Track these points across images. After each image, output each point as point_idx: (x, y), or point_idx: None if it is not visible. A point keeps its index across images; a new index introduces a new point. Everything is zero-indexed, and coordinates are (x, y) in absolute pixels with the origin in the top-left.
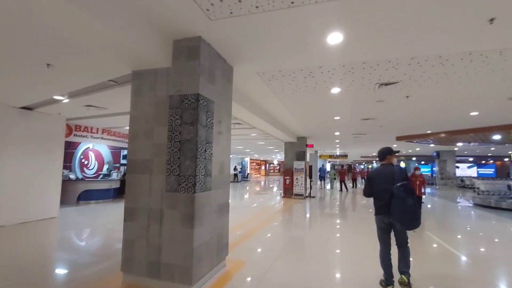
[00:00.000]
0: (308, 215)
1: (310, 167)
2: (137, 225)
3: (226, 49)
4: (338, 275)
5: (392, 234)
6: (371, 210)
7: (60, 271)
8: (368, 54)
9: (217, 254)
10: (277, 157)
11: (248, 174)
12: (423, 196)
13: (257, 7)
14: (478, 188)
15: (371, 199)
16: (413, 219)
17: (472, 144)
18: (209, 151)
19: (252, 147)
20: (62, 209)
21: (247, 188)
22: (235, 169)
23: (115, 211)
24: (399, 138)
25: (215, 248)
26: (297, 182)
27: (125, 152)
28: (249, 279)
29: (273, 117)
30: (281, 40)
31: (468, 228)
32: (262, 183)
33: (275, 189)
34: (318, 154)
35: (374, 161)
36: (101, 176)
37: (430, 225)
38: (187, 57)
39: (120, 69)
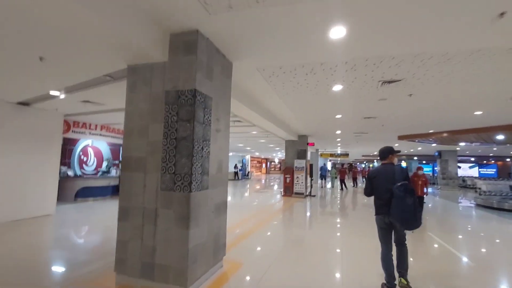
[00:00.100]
0: (308, 215)
1: (311, 165)
2: (131, 225)
3: (225, 44)
4: (338, 278)
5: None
6: (371, 209)
7: (52, 270)
8: (371, 50)
9: (213, 255)
10: (278, 155)
11: (248, 172)
12: (425, 196)
13: (257, 1)
14: (479, 188)
15: (372, 198)
16: (412, 219)
17: (474, 144)
18: (207, 149)
19: (253, 145)
20: (59, 206)
21: (247, 186)
22: (235, 167)
23: (112, 208)
24: (401, 138)
25: (211, 248)
26: (297, 181)
27: None
28: (246, 281)
29: (273, 115)
30: (282, 34)
31: (471, 229)
32: (263, 181)
33: (275, 187)
34: (319, 153)
35: (375, 160)
36: (100, 173)
37: (431, 225)
38: (184, 51)
39: (116, 63)
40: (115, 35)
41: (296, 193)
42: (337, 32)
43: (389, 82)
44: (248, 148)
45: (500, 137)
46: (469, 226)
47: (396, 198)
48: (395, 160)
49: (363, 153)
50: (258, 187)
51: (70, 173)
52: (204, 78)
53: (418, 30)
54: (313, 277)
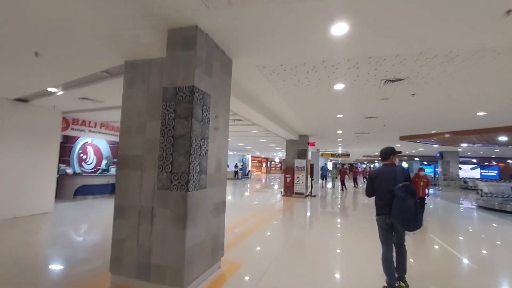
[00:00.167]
0: (308, 215)
1: (312, 165)
2: (127, 224)
3: (225, 40)
4: (338, 279)
5: None
6: (372, 210)
7: (47, 269)
8: (374, 48)
9: (211, 255)
10: (279, 155)
11: (249, 171)
12: (426, 198)
13: None
14: (481, 190)
15: (372, 199)
16: (413, 220)
17: (476, 145)
18: (205, 148)
19: (253, 144)
20: (58, 204)
21: (247, 185)
22: (235, 166)
23: (111, 207)
24: (402, 138)
25: (209, 249)
26: (298, 181)
27: None
28: (245, 281)
29: (274, 114)
30: (283, 31)
31: (473, 231)
32: (263, 180)
33: (275, 187)
34: (320, 153)
35: (376, 161)
36: (99, 171)
37: (433, 227)
38: (182, 47)
39: (113, 59)
40: (111, 30)
41: (297, 193)
42: (340, 28)
43: (392, 80)
44: (249, 148)
45: (503, 138)
46: (471, 228)
47: (397, 199)
48: (396, 161)
49: (364, 153)
50: (258, 186)
51: (69, 171)
52: (203, 75)
53: (422, 26)
54: (313, 277)
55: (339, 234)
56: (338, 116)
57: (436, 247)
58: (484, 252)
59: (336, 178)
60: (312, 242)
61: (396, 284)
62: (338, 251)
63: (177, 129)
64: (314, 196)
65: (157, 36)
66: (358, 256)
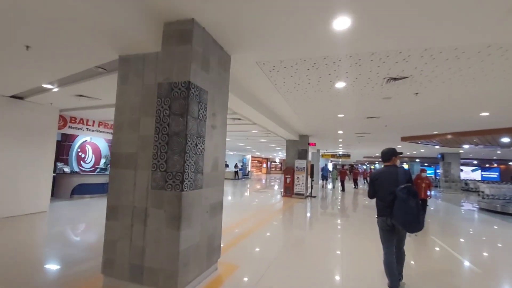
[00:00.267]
0: (308, 216)
1: (312, 166)
2: (120, 224)
3: (223, 34)
4: (338, 281)
5: None
6: (372, 211)
7: (38, 270)
8: (377, 43)
9: (207, 258)
10: (279, 155)
11: (249, 171)
12: (428, 199)
13: None
14: (482, 192)
15: (373, 200)
16: (415, 222)
17: (478, 146)
18: (201, 146)
19: (253, 144)
20: (54, 203)
21: (247, 186)
22: (235, 166)
23: None
24: (404, 139)
25: (205, 251)
26: (298, 181)
27: None
28: (242, 284)
29: (274, 113)
30: (283, 26)
31: (476, 234)
32: (263, 181)
33: (275, 187)
34: (320, 153)
35: (376, 162)
36: (98, 170)
37: (435, 229)
38: (178, 41)
39: (107, 54)
40: (105, 23)
41: (297, 194)
42: (342, 23)
43: (395, 79)
44: (249, 148)
45: (506, 139)
46: (473, 231)
47: (399, 201)
48: (398, 162)
49: (365, 154)
50: (258, 187)
51: (67, 169)
52: (199, 70)
53: (428, 20)
54: (312, 279)
55: (339, 235)
56: (339, 115)
57: (439, 249)
58: (488, 255)
59: (337, 179)
60: (312, 243)
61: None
62: (338, 252)
63: (172, 126)
64: (314, 197)
65: (153, 29)
66: (358, 257)
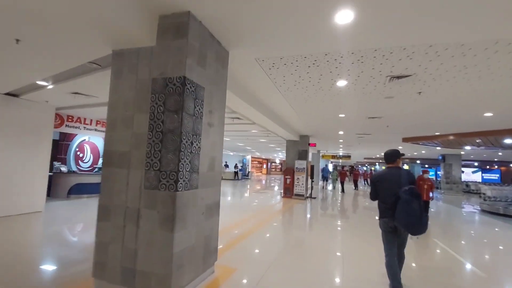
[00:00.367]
0: (308, 217)
1: (312, 167)
2: (112, 225)
3: (220, 29)
4: (339, 284)
5: None
6: (373, 212)
7: (28, 271)
8: (381, 39)
9: (203, 260)
10: (279, 156)
11: (249, 172)
12: (430, 201)
13: None
14: (484, 193)
15: (373, 201)
16: (418, 224)
17: (480, 148)
18: (197, 144)
19: (253, 145)
20: (51, 203)
21: (247, 186)
22: (235, 166)
23: None
24: (405, 140)
25: (201, 253)
26: (298, 182)
27: None
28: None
29: (274, 113)
30: (283, 18)
31: (479, 237)
32: (263, 181)
33: (275, 188)
34: (321, 154)
35: (377, 163)
36: (96, 169)
37: (437, 231)
38: (173, 35)
39: (100, 49)
40: (97, 16)
41: (296, 195)
42: (344, 16)
43: (398, 77)
44: (249, 148)
45: (509, 140)
46: (476, 233)
47: (402, 202)
48: (400, 164)
49: (366, 155)
50: (257, 187)
51: (64, 168)
52: (195, 65)
53: (433, 15)
54: (312, 282)
55: (339, 237)
56: (340, 115)
57: (441, 252)
58: (492, 258)
59: (337, 180)
60: (312, 245)
61: None
62: (338, 254)
63: (167, 124)
64: (314, 198)
65: (147, 23)
66: (359, 259)
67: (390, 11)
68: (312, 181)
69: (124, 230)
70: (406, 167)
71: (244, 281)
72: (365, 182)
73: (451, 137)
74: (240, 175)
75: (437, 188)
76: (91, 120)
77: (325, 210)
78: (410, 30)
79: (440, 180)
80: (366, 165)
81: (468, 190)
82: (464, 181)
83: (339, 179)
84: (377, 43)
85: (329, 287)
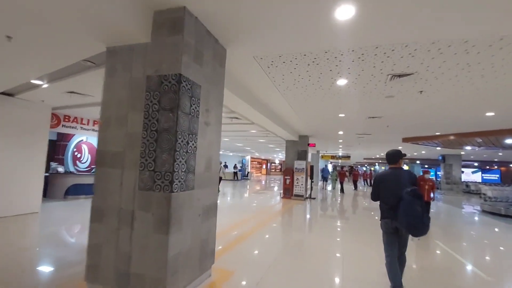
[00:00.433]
0: (307, 218)
1: (312, 167)
2: (106, 228)
3: (217, 26)
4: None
5: None
6: (373, 213)
7: (19, 274)
8: (382, 35)
9: (200, 264)
10: (279, 156)
11: (248, 172)
12: (432, 202)
13: None
14: (484, 194)
15: (372, 201)
16: (420, 225)
17: (481, 148)
18: (193, 144)
19: (253, 145)
20: (47, 204)
21: (246, 187)
22: (235, 167)
23: None
24: (405, 140)
25: (197, 256)
26: (297, 183)
27: None
28: None
29: (273, 112)
30: (282, 14)
31: (482, 238)
32: (263, 182)
33: (275, 189)
34: (320, 155)
35: (376, 164)
36: (93, 170)
37: (438, 232)
38: (169, 30)
39: (94, 46)
40: (89, 11)
41: (296, 195)
42: (345, 12)
43: (400, 76)
44: (248, 148)
45: (510, 141)
46: (478, 234)
47: (405, 204)
48: (402, 164)
49: (365, 155)
50: (257, 188)
51: (61, 169)
52: (191, 62)
53: (438, 8)
54: (312, 285)
55: (338, 239)
56: (340, 115)
57: (443, 254)
58: (497, 261)
59: (336, 180)
60: (311, 246)
61: None
62: (338, 256)
63: (161, 123)
64: (314, 198)
65: (142, 18)
66: (359, 260)
67: (392, 6)
68: (311, 182)
69: (118, 233)
70: (405, 167)
71: (242, 284)
72: (365, 183)
73: (452, 137)
74: (240, 175)
75: (437, 188)
76: (88, 120)
77: (324, 211)
78: (412, 25)
79: (440, 181)
80: (366, 165)
81: (468, 190)
82: (464, 182)
83: (338, 179)
84: (379, 40)
85: None
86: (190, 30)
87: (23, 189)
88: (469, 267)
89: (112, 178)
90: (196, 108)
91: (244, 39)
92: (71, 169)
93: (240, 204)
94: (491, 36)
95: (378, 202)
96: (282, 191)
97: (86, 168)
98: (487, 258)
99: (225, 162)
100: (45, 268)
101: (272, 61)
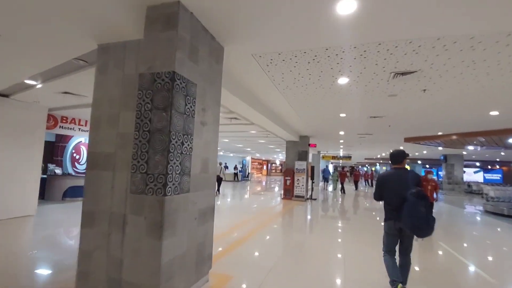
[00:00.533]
0: (308, 219)
1: (312, 167)
2: (97, 233)
3: (214, 22)
4: None
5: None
6: (374, 213)
7: (6, 281)
8: (385, 31)
9: (196, 269)
10: (279, 157)
11: (248, 173)
12: (434, 202)
13: None
14: (486, 194)
15: (375, 202)
16: (425, 226)
17: (483, 147)
18: (188, 145)
19: (253, 146)
20: (44, 206)
21: (246, 188)
22: (235, 168)
23: None
24: (407, 140)
25: (193, 261)
26: (298, 183)
27: None
28: None
29: (273, 112)
30: (281, 10)
31: (485, 239)
32: (263, 183)
33: (275, 189)
34: (321, 155)
35: (377, 164)
36: None
37: (440, 233)
38: (162, 26)
39: (85, 43)
40: (80, 6)
41: (297, 196)
42: (346, 6)
43: (403, 73)
44: (248, 149)
45: None
46: (481, 235)
47: (410, 204)
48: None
49: (366, 156)
50: (257, 189)
51: (58, 171)
52: (186, 59)
53: (443, 4)
54: None
55: (340, 240)
56: (341, 115)
57: (446, 255)
58: (502, 263)
59: (337, 180)
60: (313, 248)
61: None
62: (340, 259)
63: (154, 122)
64: (315, 199)
65: (135, 13)
66: (361, 262)
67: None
68: (312, 182)
69: (109, 238)
70: (407, 167)
71: None
72: (366, 183)
73: (454, 137)
74: (240, 176)
75: (439, 188)
76: (86, 121)
77: (325, 212)
78: (417, 20)
79: (442, 181)
80: (367, 165)
81: (470, 190)
82: (466, 182)
83: (339, 179)
84: (382, 35)
85: None
86: (185, 26)
87: (18, 192)
88: (473, 269)
89: (103, 181)
90: (191, 107)
91: (241, 36)
92: (70, 170)
93: (240, 205)
94: (498, 32)
95: (380, 203)
96: (282, 192)
97: (84, 170)
98: (491, 259)
99: (225, 163)
100: (35, 274)
101: (271, 59)
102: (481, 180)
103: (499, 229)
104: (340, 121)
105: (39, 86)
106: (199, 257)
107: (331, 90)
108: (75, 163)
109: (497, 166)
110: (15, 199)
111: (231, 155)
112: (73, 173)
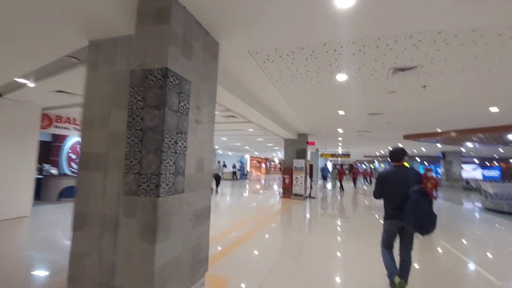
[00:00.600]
0: (307, 219)
1: (311, 166)
2: (89, 236)
3: (208, 17)
4: None
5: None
6: (373, 212)
7: None
8: (385, 25)
9: (191, 272)
10: (278, 155)
11: (247, 172)
12: (435, 200)
13: None
14: (485, 191)
15: (374, 200)
16: (428, 223)
17: (482, 144)
18: (182, 144)
19: (251, 144)
20: (39, 207)
21: (245, 186)
22: (234, 166)
23: None
24: (406, 137)
25: (188, 265)
26: (296, 182)
27: None
28: None
29: (271, 110)
30: (277, 4)
31: (484, 236)
32: (262, 181)
33: (274, 187)
34: (319, 153)
35: (375, 161)
36: None
37: (441, 231)
38: (154, 20)
39: (75, 40)
40: (69, 1)
41: (295, 195)
42: None
43: (402, 69)
44: (247, 148)
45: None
46: (482, 232)
47: (412, 202)
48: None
49: (365, 153)
50: (256, 187)
51: (54, 171)
52: (179, 55)
53: None
54: None
55: (341, 244)
56: (340, 113)
57: (446, 253)
58: (502, 260)
59: (336, 178)
60: (312, 248)
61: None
62: (340, 259)
63: (146, 121)
64: (314, 197)
65: (126, 8)
66: (361, 262)
67: None
68: (311, 181)
69: (102, 241)
70: (405, 164)
71: None
72: (365, 180)
73: (453, 134)
74: (239, 175)
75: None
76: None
77: (324, 210)
78: (417, 13)
79: (440, 178)
80: (365, 162)
81: (469, 187)
82: (465, 178)
83: (338, 177)
84: (381, 30)
85: None
86: (178, 20)
87: (12, 193)
88: (473, 267)
89: (95, 182)
90: (185, 105)
91: (237, 31)
92: (66, 170)
93: (239, 204)
94: (501, 24)
95: (379, 201)
96: (281, 190)
97: None
98: (493, 259)
99: (224, 162)
100: (25, 277)
101: (268, 56)
102: (479, 176)
103: (499, 227)
104: (339, 118)
105: (31, 85)
106: (194, 260)
107: (330, 87)
108: (71, 163)
109: (495, 163)
110: (8, 200)
111: (230, 153)
112: (70, 173)
